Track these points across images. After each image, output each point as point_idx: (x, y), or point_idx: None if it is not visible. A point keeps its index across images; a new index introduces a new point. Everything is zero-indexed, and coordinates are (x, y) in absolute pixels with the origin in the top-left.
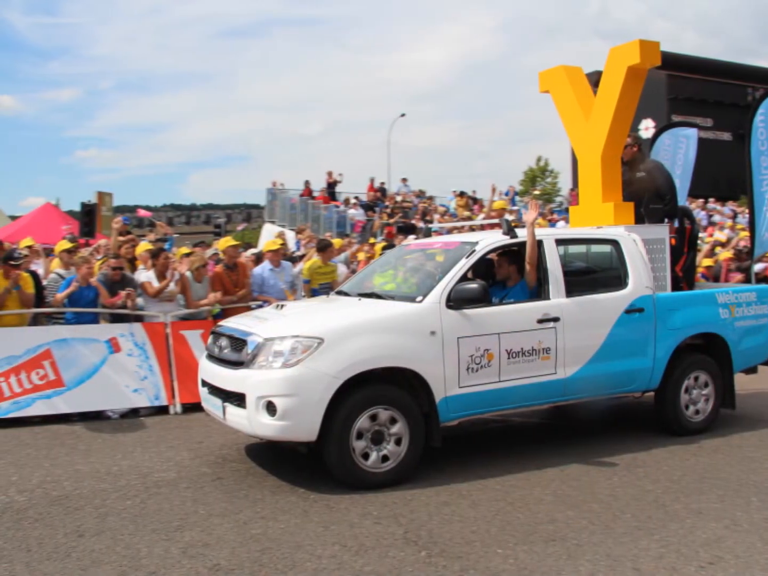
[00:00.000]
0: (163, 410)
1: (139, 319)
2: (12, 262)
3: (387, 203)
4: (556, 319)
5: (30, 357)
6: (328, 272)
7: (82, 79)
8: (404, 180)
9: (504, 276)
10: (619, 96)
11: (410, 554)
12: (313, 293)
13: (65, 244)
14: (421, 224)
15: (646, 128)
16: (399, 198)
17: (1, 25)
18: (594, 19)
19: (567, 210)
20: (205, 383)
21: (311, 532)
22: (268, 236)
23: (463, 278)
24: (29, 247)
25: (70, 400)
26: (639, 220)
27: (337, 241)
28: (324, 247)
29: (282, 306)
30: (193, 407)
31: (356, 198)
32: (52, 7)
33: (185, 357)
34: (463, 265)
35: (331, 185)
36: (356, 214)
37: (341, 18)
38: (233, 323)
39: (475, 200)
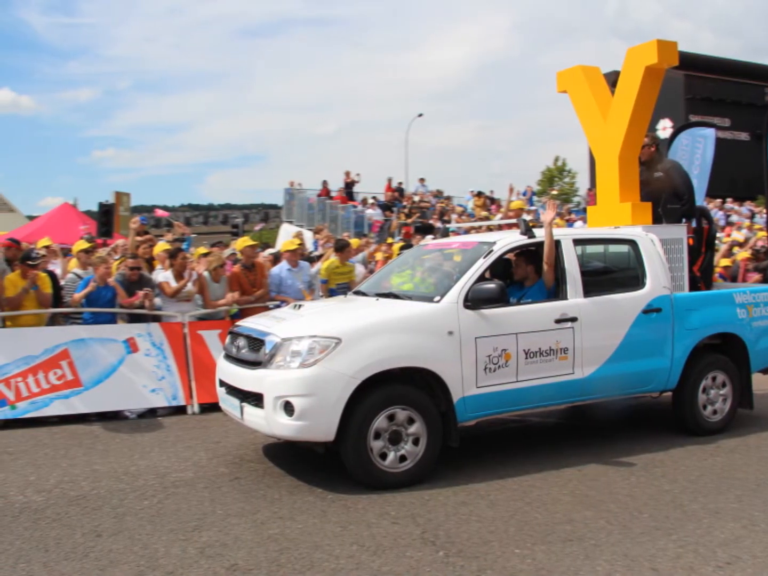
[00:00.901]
0: (180, 410)
1: (156, 319)
2: (29, 262)
3: (405, 203)
4: (573, 319)
5: (48, 357)
6: (345, 272)
7: (100, 79)
8: (422, 180)
9: (522, 276)
10: (636, 96)
11: (428, 554)
12: (331, 293)
13: (83, 244)
14: (438, 224)
15: (664, 128)
16: (417, 198)
17: (18, 25)
18: (611, 19)
19: (585, 210)
20: (222, 383)
21: (329, 532)
22: (286, 236)
23: (481, 278)
24: (47, 247)
25: (88, 400)
26: (657, 220)
27: (354, 241)
28: (342, 247)
29: (299, 306)
30: (211, 407)
31: (374, 198)
32: (69, 7)
33: (203, 357)
34: (481, 265)
35: (349, 185)
36: (374, 214)
37: (358, 18)
38: (251, 323)
39: (493, 200)
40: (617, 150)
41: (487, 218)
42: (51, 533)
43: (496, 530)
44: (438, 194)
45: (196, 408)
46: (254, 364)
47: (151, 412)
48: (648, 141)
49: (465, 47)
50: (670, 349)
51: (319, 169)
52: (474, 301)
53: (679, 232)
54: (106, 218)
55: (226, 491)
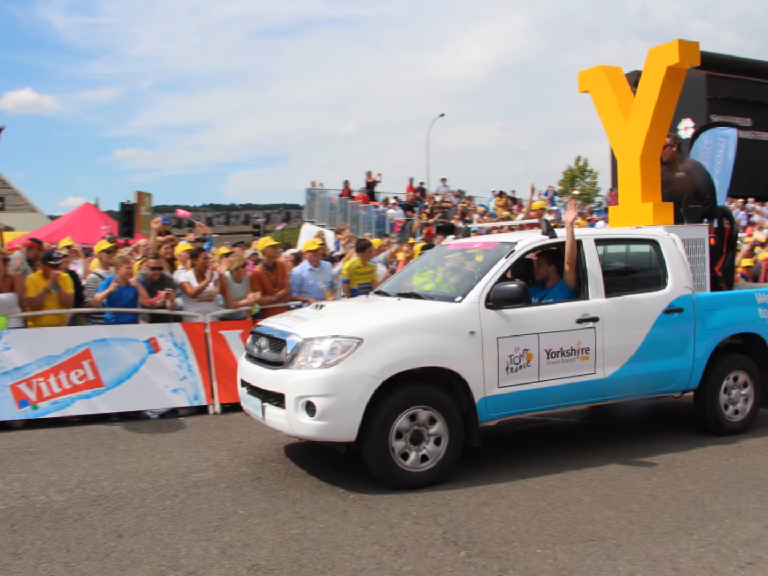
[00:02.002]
0: (202, 410)
1: (178, 319)
2: (51, 262)
3: (426, 203)
4: (595, 319)
5: (69, 357)
6: (367, 272)
7: (121, 79)
8: (443, 180)
9: (543, 276)
10: (658, 96)
11: (449, 554)
12: (353, 293)
13: (104, 244)
14: (460, 224)
15: (686, 128)
16: (438, 198)
17: (40, 25)
18: (633, 20)
19: (606, 210)
20: (244, 383)
21: (350, 532)
22: (308, 236)
23: (503, 278)
24: (68, 247)
25: (110, 400)
26: (678, 220)
27: (376, 241)
28: (363, 247)
29: (321, 306)
30: (233, 407)
31: (395, 198)
32: (91, 7)
33: (224, 357)
34: (503, 265)
35: (371, 185)
36: (395, 214)
37: (378, 18)
38: (272, 323)
39: (514, 200)
40: (639, 150)
41: (508, 218)
42: (72, 533)
43: (518, 530)
44: (460, 194)
45: (217, 408)
46: (276, 364)
47: (173, 412)
48: (669, 141)
49: (487, 47)
50: (691, 349)
51: (340, 169)
52: (495, 301)
53: (701, 232)
54: (127, 218)
55: (248, 491)
